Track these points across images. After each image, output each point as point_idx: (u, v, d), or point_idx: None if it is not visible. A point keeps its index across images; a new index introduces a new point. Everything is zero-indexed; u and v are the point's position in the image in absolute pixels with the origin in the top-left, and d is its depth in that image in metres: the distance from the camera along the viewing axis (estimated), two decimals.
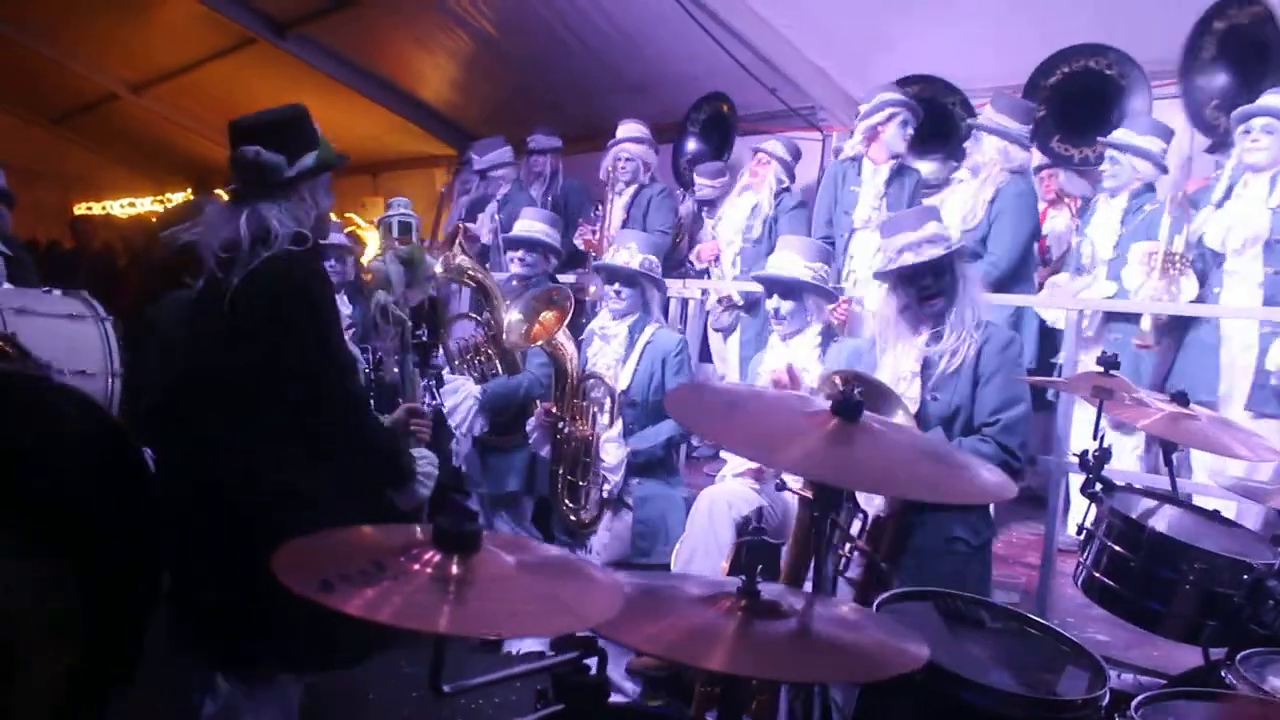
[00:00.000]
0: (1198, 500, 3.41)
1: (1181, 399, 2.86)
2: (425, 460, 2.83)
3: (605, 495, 4.37)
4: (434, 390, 5.00)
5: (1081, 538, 2.74)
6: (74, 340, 3.76)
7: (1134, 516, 2.61)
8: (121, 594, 2.52)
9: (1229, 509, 3.21)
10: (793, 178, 5.87)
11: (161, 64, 9.74)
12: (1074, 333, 4.13)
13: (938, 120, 5.66)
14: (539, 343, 4.63)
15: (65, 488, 2.46)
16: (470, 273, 5.00)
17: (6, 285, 4.25)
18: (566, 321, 4.59)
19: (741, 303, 5.55)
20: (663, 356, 4.46)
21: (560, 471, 4.53)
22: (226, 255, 2.60)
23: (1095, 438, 2.78)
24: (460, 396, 4.83)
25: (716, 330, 5.73)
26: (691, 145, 6.90)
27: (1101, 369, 2.89)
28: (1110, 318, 4.54)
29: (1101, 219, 4.66)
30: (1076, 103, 5.15)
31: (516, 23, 7.10)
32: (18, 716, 2.41)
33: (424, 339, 5.12)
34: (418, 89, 8.81)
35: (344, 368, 2.66)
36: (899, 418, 3.03)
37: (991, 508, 3.51)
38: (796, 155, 5.93)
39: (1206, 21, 4.73)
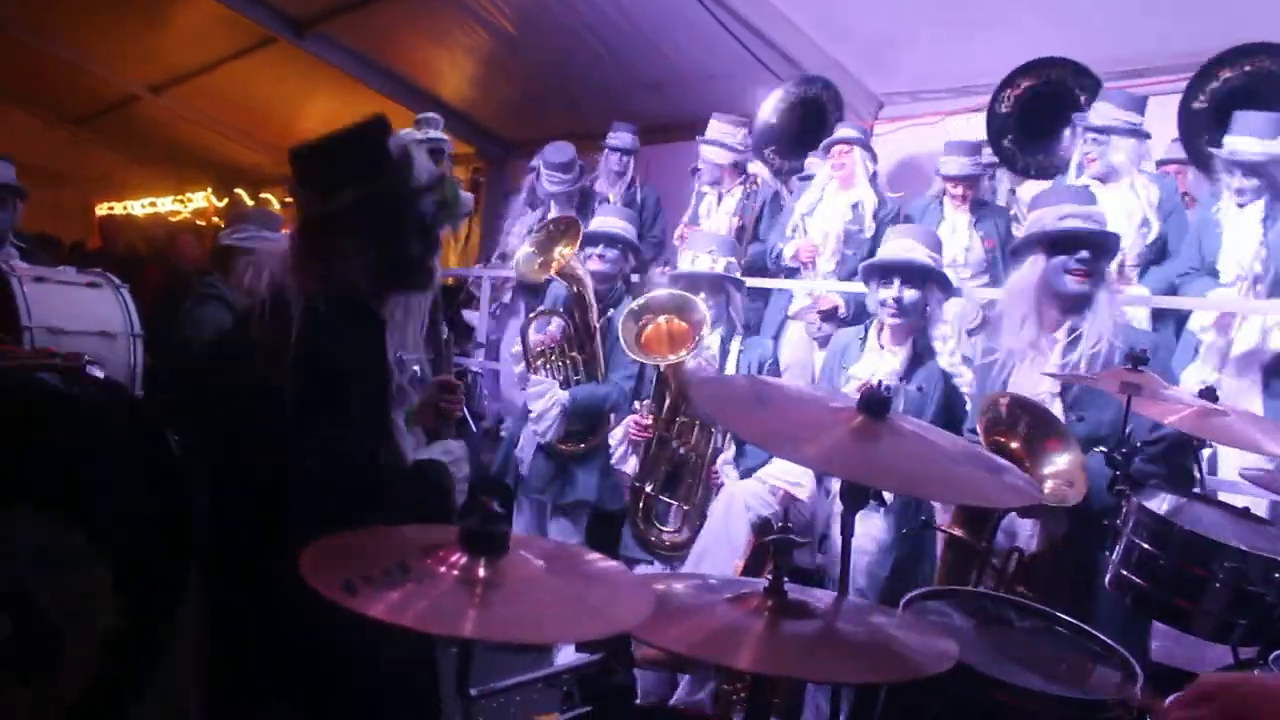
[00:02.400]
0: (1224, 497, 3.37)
1: (1210, 395, 2.82)
2: (456, 462, 2.36)
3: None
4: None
5: (1110, 535, 2.71)
6: (93, 304, 3.84)
7: (1162, 513, 2.59)
8: (150, 569, 2.51)
9: (1259, 507, 3.18)
10: (876, 160, 5.44)
11: (181, 64, 9.77)
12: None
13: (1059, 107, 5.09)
14: (659, 360, 4.18)
15: (96, 476, 2.47)
16: (581, 280, 4.66)
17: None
18: (697, 343, 4.09)
19: (844, 314, 5.00)
20: (759, 366, 4.23)
21: (648, 489, 4.26)
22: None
23: (1124, 434, 2.75)
24: (548, 402, 4.57)
25: (814, 339, 5.18)
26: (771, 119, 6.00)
27: (1130, 365, 2.86)
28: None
29: (1236, 229, 4.10)
30: (1236, 102, 4.35)
31: (535, 21, 7.09)
32: (63, 691, 2.41)
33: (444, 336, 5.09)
34: (436, 87, 8.81)
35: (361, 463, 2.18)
36: (1068, 458, 2.82)
37: None
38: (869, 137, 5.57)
39: None
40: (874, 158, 5.41)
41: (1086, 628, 2.27)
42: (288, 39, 8.22)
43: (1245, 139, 4.01)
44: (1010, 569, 2.80)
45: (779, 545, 1.69)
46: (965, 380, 3.66)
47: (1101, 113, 4.48)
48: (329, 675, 2.09)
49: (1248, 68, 4.42)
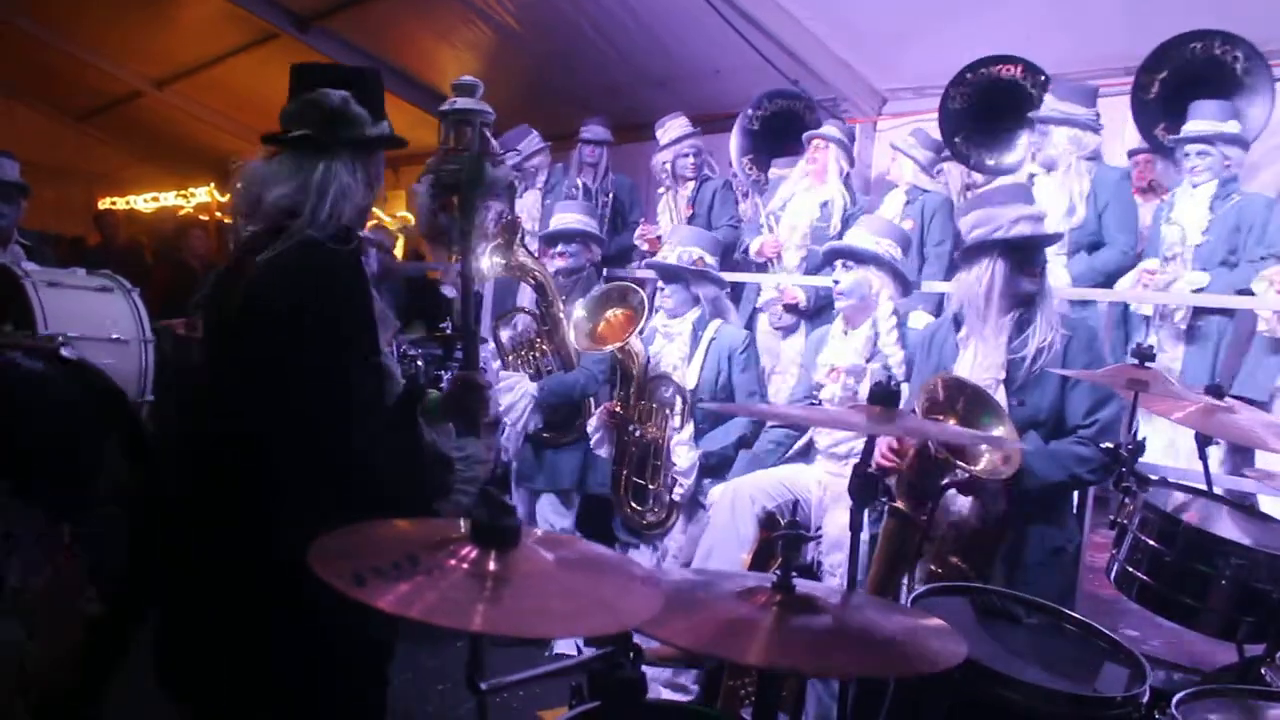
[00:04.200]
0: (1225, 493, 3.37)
1: (1216, 392, 2.83)
2: (468, 462, 2.25)
3: (677, 499, 4.28)
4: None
5: (1114, 532, 2.71)
6: (105, 310, 3.89)
7: (1169, 510, 2.59)
8: (123, 551, 2.53)
9: (1264, 503, 3.18)
10: (853, 163, 5.56)
11: (185, 59, 9.79)
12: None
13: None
14: (610, 347, 4.47)
15: (70, 458, 2.49)
16: (534, 272, 4.84)
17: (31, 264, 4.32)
18: (641, 324, 4.41)
19: (805, 306, 5.21)
20: (729, 353, 4.34)
21: (625, 473, 4.44)
22: (279, 216, 2.09)
23: (1131, 431, 2.75)
24: (516, 394, 4.74)
25: (776, 329, 5.39)
26: (735, 142, 6.30)
27: (1137, 361, 2.86)
28: (1200, 310, 4.41)
29: (1187, 206, 4.51)
30: (1188, 89, 4.69)
31: (539, 16, 7.08)
32: (32, 674, 2.42)
33: (448, 332, 5.10)
34: (440, 83, 8.79)
35: (360, 401, 2.08)
36: (1002, 430, 2.91)
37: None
38: (852, 138, 5.64)
39: None
40: (850, 159, 5.52)
41: (1094, 625, 2.28)
42: (291, 34, 8.23)
43: (1198, 122, 4.44)
44: (949, 542, 2.91)
45: (788, 540, 1.68)
46: (895, 360, 3.76)
47: (1045, 104, 4.76)
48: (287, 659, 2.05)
49: (1186, 52, 4.67)
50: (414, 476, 2.16)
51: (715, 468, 4.25)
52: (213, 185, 13.06)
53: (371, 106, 2.21)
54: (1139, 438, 2.82)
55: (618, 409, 4.45)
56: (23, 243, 4.98)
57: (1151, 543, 2.52)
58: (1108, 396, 3.12)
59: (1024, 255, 3.23)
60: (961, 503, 2.97)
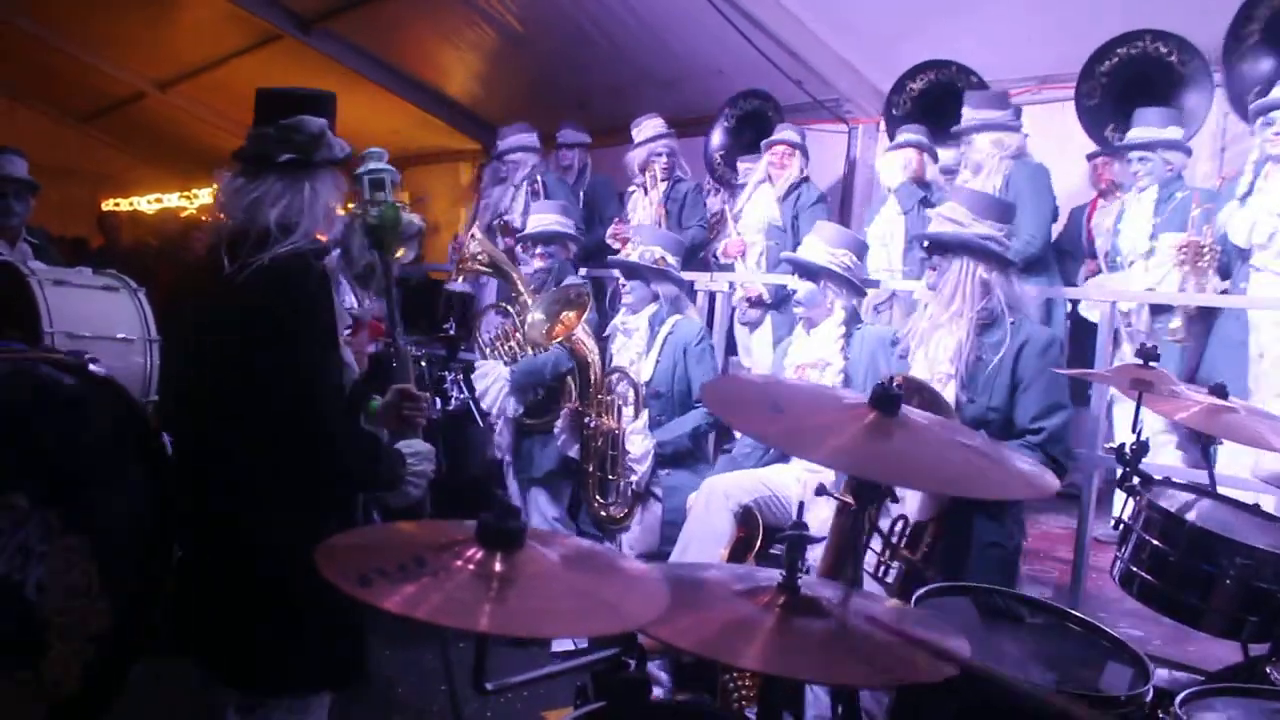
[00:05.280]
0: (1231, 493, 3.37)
1: (1220, 391, 2.82)
2: (417, 458, 2.52)
3: (633, 488, 4.38)
4: (462, 384, 5.02)
5: (1119, 531, 2.71)
6: (112, 310, 3.88)
7: (1173, 510, 2.59)
8: (138, 564, 2.56)
9: (1268, 503, 3.17)
10: (808, 162, 5.83)
11: (187, 61, 9.78)
12: (1108, 326, 4.06)
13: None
14: (559, 340, 4.67)
15: (90, 470, 2.50)
16: (487, 259, 5.13)
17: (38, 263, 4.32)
18: (585, 317, 4.60)
19: (769, 299, 5.51)
20: (684, 346, 4.47)
21: (590, 469, 4.55)
22: (268, 229, 2.34)
23: (1135, 431, 2.75)
24: (491, 379, 4.97)
25: (743, 324, 5.71)
26: (717, 139, 6.74)
27: (1141, 361, 2.86)
28: (1154, 311, 4.51)
29: (1134, 212, 4.64)
30: (1134, 90, 4.93)
31: (542, 17, 7.09)
32: (48, 682, 2.43)
33: (450, 333, 5.13)
34: (442, 84, 8.82)
35: (333, 385, 2.38)
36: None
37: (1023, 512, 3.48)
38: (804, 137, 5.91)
39: (1251, 5, 4.62)
40: (807, 159, 5.80)
41: (1098, 624, 2.28)
42: (294, 35, 8.23)
43: (1140, 129, 4.61)
44: (897, 535, 2.95)
45: (792, 541, 1.68)
46: (834, 369, 3.90)
47: (964, 116, 4.97)
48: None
49: (1125, 53, 4.95)
50: (376, 455, 2.45)
51: (673, 457, 4.38)
52: (215, 186, 13.04)
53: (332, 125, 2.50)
54: (1142, 438, 2.81)
55: (577, 407, 4.61)
56: (31, 241, 5.02)
57: (1156, 542, 2.52)
58: (1058, 404, 3.20)
59: (996, 261, 3.32)
60: (911, 495, 3.02)
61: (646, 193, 6.26)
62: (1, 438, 2.37)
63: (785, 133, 5.79)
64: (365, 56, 8.51)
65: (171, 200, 13.77)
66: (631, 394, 4.46)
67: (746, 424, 2.25)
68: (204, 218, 12.28)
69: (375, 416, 2.66)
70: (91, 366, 2.56)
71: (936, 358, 3.32)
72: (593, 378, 4.62)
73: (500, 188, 6.64)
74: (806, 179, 5.76)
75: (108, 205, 13.71)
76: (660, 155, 6.21)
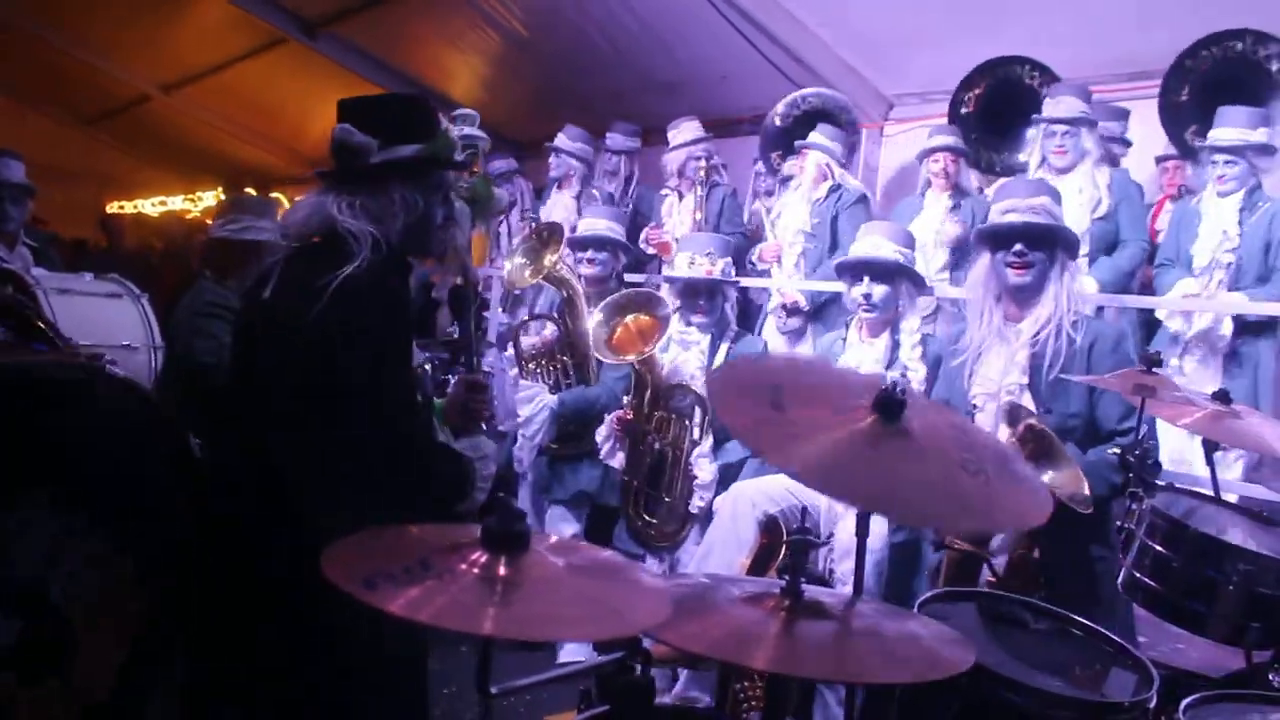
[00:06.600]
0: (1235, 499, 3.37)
1: (1223, 398, 2.82)
2: (484, 461, 2.40)
3: (694, 512, 4.16)
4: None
5: (1121, 538, 2.71)
6: (115, 317, 3.91)
7: (1176, 516, 2.58)
8: (167, 566, 2.53)
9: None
10: (844, 165, 5.59)
11: (192, 64, 9.80)
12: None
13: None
14: (631, 357, 4.25)
15: (115, 472, 2.49)
16: (570, 285, 4.72)
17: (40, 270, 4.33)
18: (663, 336, 4.22)
19: (807, 307, 5.22)
20: None
21: (635, 483, 4.30)
22: (286, 243, 2.31)
23: (1136, 435, 2.75)
24: (535, 406, 4.56)
25: (783, 333, 5.37)
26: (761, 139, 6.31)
27: (1144, 367, 2.86)
28: (1242, 330, 4.29)
29: (1214, 221, 4.38)
30: (1220, 91, 4.62)
31: (546, 21, 7.10)
32: (79, 689, 2.42)
33: (454, 336, 5.06)
34: (448, 88, 8.82)
35: (408, 405, 2.29)
36: (1070, 473, 2.83)
37: None
38: (846, 143, 5.68)
39: None
40: (841, 162, 5.56)
41: (1101, 629, 2.27)
42: (299, 39, 8.25)
43: (1226, 129, 4.32)
44: (1006, 571, 2.82)
45: (796, 546, 1.69)
46: (918, 377, 3.72)
47: (1069, 105, 4.64)
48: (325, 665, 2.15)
49: (1215, 53, 4.67)
50: (460, 470, 2.34)
51: (729, 480, 4.11)
52: (220, 189, 13.09)
53: (391, 129, 2.32)
54: (1148, 444, 2.81)
55: (629, 417, 4.29)
56: (29, 244, 4.96)
57: (1159, 548, 2.52)
58: None
59: (1008, 247, 3.21)
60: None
61: (681, 197, 6.09)
62: (25, 439, 2.36)
63: (814, 134, 5.50)
64: (370, 60, 8.52)
65: (176, 203, 13.81)
66: (698, 412, 4.18)
67: (733, 417, 1.96)
68: (208, 221, 12.34)
69: (442, 418, 2.53)
70: (109, 368, 2.58)
71: (1003, 368, 3.17)
72: (651, 391, 4.27)
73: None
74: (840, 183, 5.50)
75: (112, 208, 13.76)
76: (699, 159, 6.00)
